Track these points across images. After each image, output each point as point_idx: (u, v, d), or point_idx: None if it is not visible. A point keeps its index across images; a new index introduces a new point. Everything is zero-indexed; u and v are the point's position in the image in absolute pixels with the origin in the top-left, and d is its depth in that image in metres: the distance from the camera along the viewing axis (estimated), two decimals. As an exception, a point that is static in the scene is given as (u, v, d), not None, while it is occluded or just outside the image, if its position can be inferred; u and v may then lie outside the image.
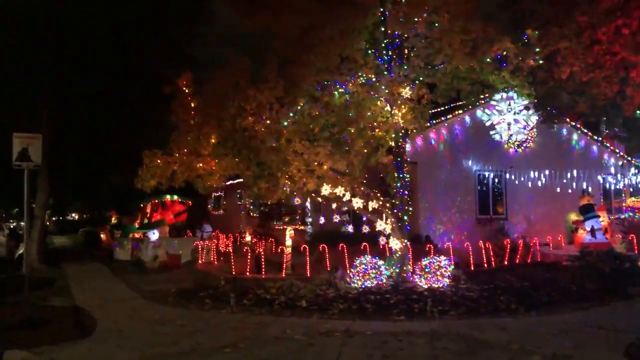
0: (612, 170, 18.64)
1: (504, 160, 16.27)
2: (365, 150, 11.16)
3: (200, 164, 11.48)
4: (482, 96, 12.03)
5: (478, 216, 16.37)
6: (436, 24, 10.54)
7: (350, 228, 12.18)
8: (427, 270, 11.06)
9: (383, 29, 11.24)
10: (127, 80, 19.43)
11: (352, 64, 10.63)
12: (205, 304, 10.60)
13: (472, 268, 13.65)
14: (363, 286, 10.94)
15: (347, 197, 11.24)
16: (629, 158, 19.02)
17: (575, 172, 17.23)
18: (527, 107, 10.51)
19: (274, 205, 18.29)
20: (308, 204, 12.05)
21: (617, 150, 19.02)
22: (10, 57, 17.27)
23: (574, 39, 9.80)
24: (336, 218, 12.05)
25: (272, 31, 11.24)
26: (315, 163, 10.26)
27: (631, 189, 18.78)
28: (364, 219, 12.01)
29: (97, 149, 22.78)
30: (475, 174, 16.46)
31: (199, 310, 10.30)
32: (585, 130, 18.42)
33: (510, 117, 10.36)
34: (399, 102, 9.91)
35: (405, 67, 10.99)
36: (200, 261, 17.25)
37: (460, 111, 16.05)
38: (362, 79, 10.63)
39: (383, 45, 11.37)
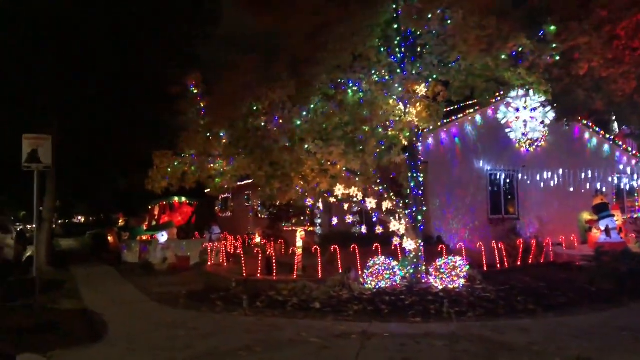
0: (625, 169, 18.44)
1: (515, 159, 16.07)
2: (378, 150, 11.01)
3: (211, 165, 11.34)
4: (496, 94, 11.81)
5: (490, 216, 16.16)
6: (449, 21, 10.38)
7: (363, 229, 12.03)
8: (442, 270, 10.90)
9: (396, 26, 11.09)
10: (131, 80, 19.33)
11: (365, 62, 10.47)
12: (216, 307, 10.46)
13: (485, 268, 13.48)
14: (377, 287, 10.80)
15: (360, 197, 11.09)
16: (642, 156, 18.82)
17: (587, 171, 17.05)
18: (543, 105, 10.33)
19: (282, 206, 18.16)
20: (320, 205, 11.85)
21: (630, 149, 18.79)
22: (12, 58, 17.18)
23: (594, 33, 9.61)
24: (349, 219, 11.89)
25: (283, 30, 11.07)
26: (329, 163, 10.11)
27: (644, 188, 18.60)
28: (375, 219, 11.85)
29: (101, 150, 22.70)
30: (486, 173, 16.26)
31: (210, 312, 10.15)
32: (597, 129, 18.21)
33: (526, 115, 10.18)
34: (413, 100, 9.74)
35: (419, 65, 10.84)
36: (209, 263, 17.15)
37: (471, 110, 15.86)
38: (375, 77, 10.47)
39: (396, 42, 11.22)
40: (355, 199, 11.18)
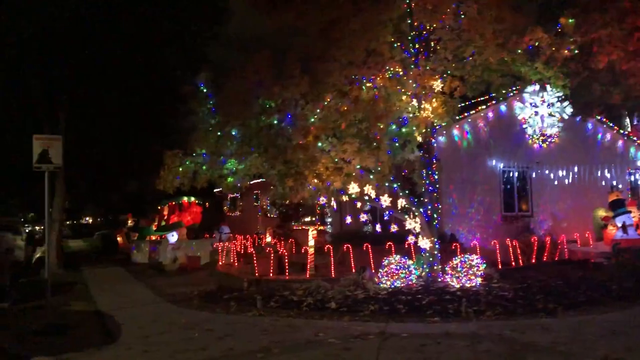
0: (640, 164, 18.24)
1: (529, 156, 15.89)
2: (392, 147, 10.85)
3: (223, 164, 11.23)
4: (512, 89, 11.63)
5: (503, 213, 15.98)
6: (463, 15, 10.21)
7: (378, 227, 11.87)
8: (458, 269, 10.73)
9: (409, 21, 10.92)
10: (141, 80, 19.29)
11: (378, 57, 10.31)
12: (230, 307, 10.31)
13: (500, 266, 13.28)
14: (392, 286, 10.63)
15: (374, 195, 10.93)
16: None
17: (601, 167, 16.84)
18: (560, 99, 10.13)
19: (292, 205, 18.02)
20: (334, 203, 11.70)
21: (644, 144, 18.57)
22: (25, 59, 17.17)
23: (616, 25, 9.40)
24: (363, 217, 11.74)
25: (295, 27, 10.93)
26: (343, 160, 9.96)
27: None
28: (386, 217, 11.70)
29: (111, 151, 22.69)
30: (500, 170, 16.07)
31: (224, 313, 10.00)
32: (612, 124, 17.98)
33: (544, 110, 9.99)
34: (429, 95, 9.57)
35: (433, 60, 10.67)
36: (220, 263, 17.04)
37: (484, 107, 15.67)
38: (389, 72, 10.31)
39: (409, 38, 11.05)
40: (369, 197, 11.03)
